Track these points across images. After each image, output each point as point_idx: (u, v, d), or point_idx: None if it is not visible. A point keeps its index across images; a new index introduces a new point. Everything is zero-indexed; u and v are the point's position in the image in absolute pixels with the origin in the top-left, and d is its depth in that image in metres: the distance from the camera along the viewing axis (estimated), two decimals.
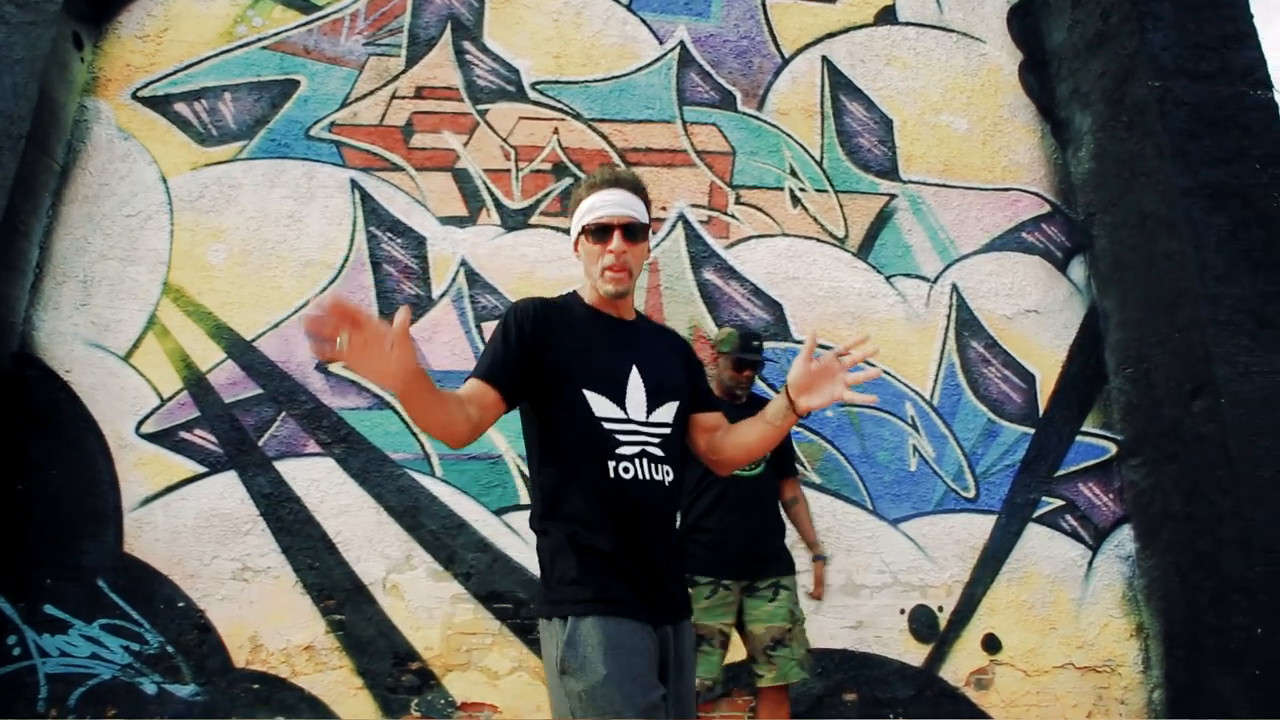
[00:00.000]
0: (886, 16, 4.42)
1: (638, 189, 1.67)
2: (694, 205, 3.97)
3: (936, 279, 3.99)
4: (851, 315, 3.88)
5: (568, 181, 3.96)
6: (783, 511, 3.17)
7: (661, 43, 4.22)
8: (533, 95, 4.08)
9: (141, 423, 3.48)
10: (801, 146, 4.12)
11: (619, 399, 1.58)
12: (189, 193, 3.77)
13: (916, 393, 3.82)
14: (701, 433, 1.78)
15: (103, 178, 3.74)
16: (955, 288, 3.99)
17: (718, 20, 4.30)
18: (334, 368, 3.63)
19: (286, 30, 4.04)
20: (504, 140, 3.99)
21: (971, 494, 3.76)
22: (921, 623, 3.58)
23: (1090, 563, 3.76)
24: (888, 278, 3.96)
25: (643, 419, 1.59)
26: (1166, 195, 3.66)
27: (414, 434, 3.61)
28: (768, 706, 2.90)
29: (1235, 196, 3.62)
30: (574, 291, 1.75)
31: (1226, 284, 3.51)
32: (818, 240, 3.97)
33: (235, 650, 3.31)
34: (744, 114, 4.14)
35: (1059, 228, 4.18)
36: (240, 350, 3.62)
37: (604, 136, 4.03)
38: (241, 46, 4.00)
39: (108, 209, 3.70)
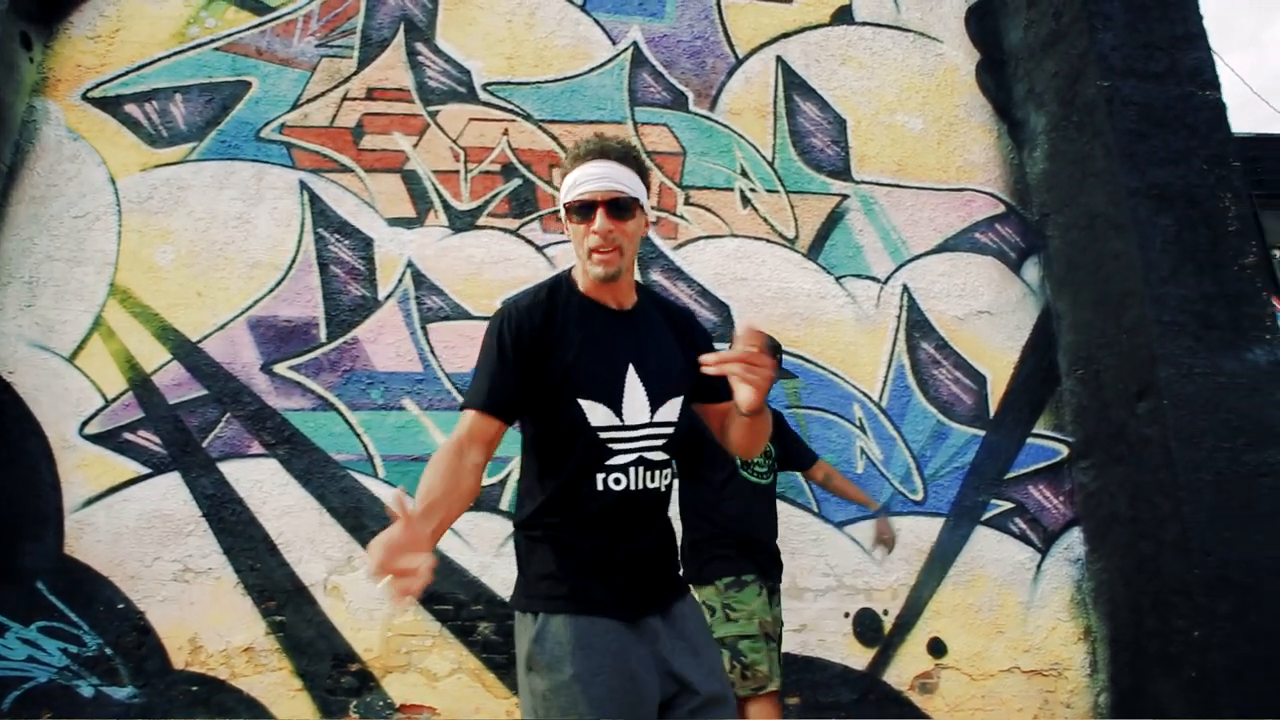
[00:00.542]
0: (843, 16, 4.41)
1: (627, 158, 1.53)
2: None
3: (887, 280, 3.98)
4: (800, 316, 3.86)
5: (516, 183, 3.96)
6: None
7: (615, 43, 4.22)
8: (484, 96, 4.08)
9: (85, 424, 3.49)
10: (753, 147, 4.11)
11: (615, 406, 1.51)
12: (138, 194, 3.78)
13: (865, 394, 3.81)
14: (715, 417, 1.71)
15: (51, 179, 3.75)
16: (906, 288, 3.97)
17: (672, 21, 4.29)
18: (278, 368, 3.64)
19: (239, 31, 4.05)
20: (454, 141, 3.99)
21: (919, 496, 3.75)
22: (866, 626, 3.57)
23: (1039, 566, 3.73)
24: (838, 278, 3.95)
25: (645, 420, 1.52)
26: (1114, 195, 3.64)
27: (357, 435, 3.62)
28: (768, 708, 2.81)
29: (1182, 197, 3.60)
30: (568, 273, 1.63)
31: (1172, 285, 3.48)
32: (767, 241, 3.96)
33: (174, 652, 3.31)
34: (696, 114, 4.13)
35: (1013, 228, 4.16)
36: (186, 351, 3.62)
37: (554, 138, 4.03)
38: (194, 48, 4.00)
39: (55, 210, 3.71)
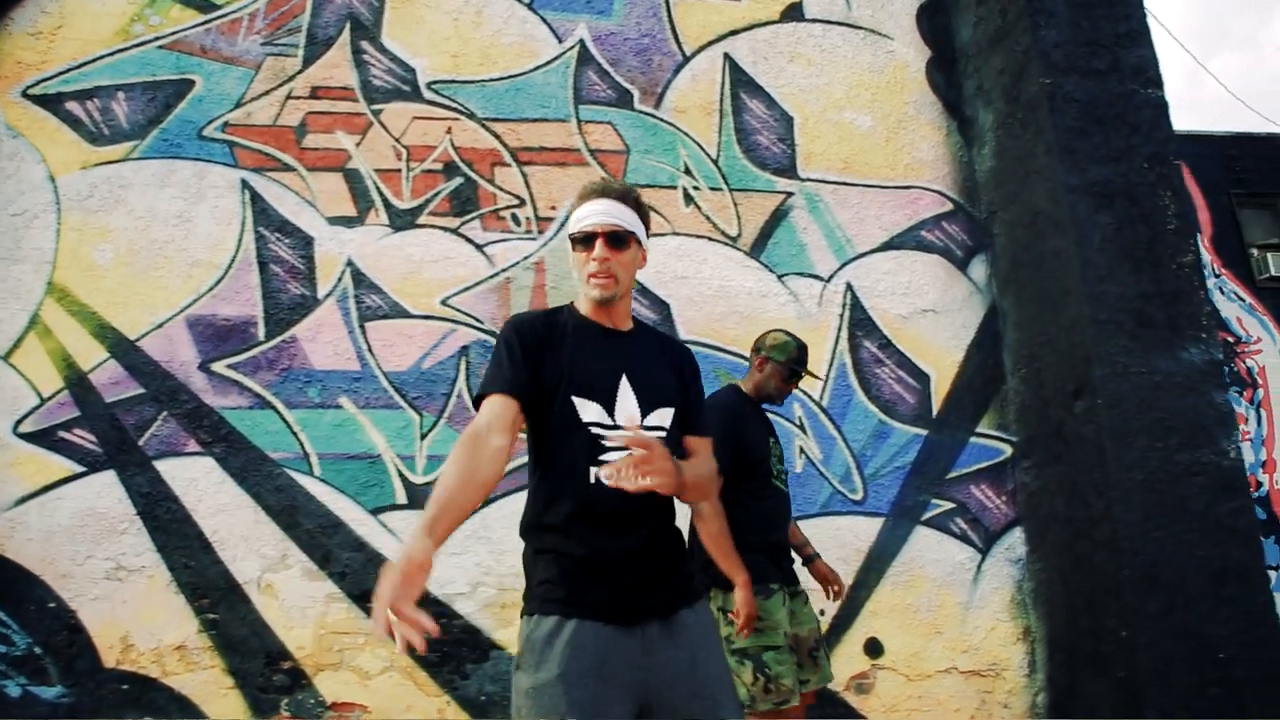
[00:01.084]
0: (793, 13, 4.39)
1: (627, 198, 1.71)
2: None
3: (831, 278, 3.96)
4: (740, 315, 3.85)
5: (458, 181, 3.95)
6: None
7: (561, 41, 4.20)
8: (428, 95, 4.07)
9: (19, 422, 3.49)
10: (698, 144, 4.09)
11: (608, 406, 1.61)
12: (77, 192, 3.78)
13: (805, 393, 3.79)
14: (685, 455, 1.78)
15: None
16: (850, 286, 3.96)
17: (619, 18, 4.27)
18: (216, 367, 3.64)
19: (184, 30, 4.05)
20: (396, 140, 3.99)
21: (859, 496, 3.73)
22: None
23: (979, 566, 3.72)
24: (780, 277, 3.94)
25: (638, 424, 1.62)
26: (1054, 193, 3.62)
27: (294, 433, 3.62)
28: (801, 710, 2.71)
29: (1121, 195, 3.58)
30: (570, 304, 1.79)
31: (1109, 283, 3.46)
32: (709, 239, 3.95)
33: (105, 651, 3.32)
34: (640, 112, 4.11)
35: (961, 226, 4.14)
36: (123, 350, 3.62)
37: (497, 136, 4.02)
38: (137, 45, 4.00)
39: None
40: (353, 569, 3.49)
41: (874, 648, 3.57)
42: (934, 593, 3.66)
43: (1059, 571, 3.50)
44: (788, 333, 3.03)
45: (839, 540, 3.65)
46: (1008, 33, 3.96)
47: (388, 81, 4.08)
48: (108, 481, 3.49)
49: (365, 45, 4.13)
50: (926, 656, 3.58)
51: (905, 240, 4.07)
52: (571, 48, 4.19)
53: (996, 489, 3.82)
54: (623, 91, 4.14)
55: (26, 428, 3.49)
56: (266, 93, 4.01)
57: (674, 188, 4.01)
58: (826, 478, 3.72)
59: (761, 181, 4.07)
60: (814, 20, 4.39)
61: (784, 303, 3.88)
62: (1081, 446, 3.40)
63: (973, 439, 3.87)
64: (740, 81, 4.23)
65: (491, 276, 3.84)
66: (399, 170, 3.95)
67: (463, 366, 3.74)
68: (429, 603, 3.48)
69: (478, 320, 3.79)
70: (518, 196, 3.95)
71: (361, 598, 3.47)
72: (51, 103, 3.87)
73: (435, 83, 4.09)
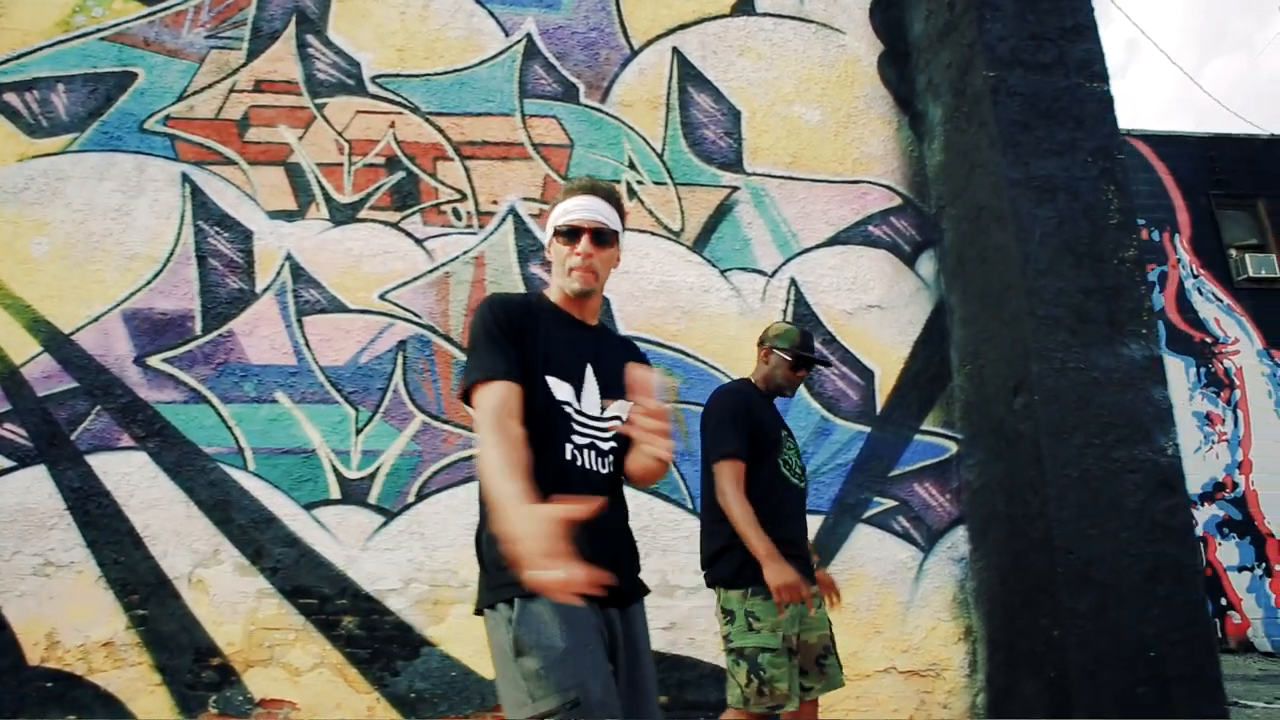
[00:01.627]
0: (744, 7, 4.35)
1: (612, 199, 1.74)
2: (526, 199, 3.92)
3: (775, 273, 3.93)
4: (681, 310, 3.82)
5: (400, 175, 3.92)
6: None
7: (508, 35, 4.18)
8: (372, 89, 4.04)
9: None
10: (643, 138, 4.06)
11: (576, 391, 1.64)
12: (14, 184, 3.75)
13: None
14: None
15: None
16: (794, 282, 3.92)
17: (568, 12, 4.25)
18: (152, 361, 3.61)
19: (127, 21, 4.02)
20: (339, 134, 3.96)
21: None
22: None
23: (921, 565, 3.68)
24: (723, 271, 3.90)
25: (597, 414, 1.64)
26: (996, 187, 3.58)
27: (229, 428, 3.58)
28: (805, 716, 2.57)
29: (1064, 189, 3.54)
30: (541, 292, 1.81)
31: (1049, 278, 3.42)
32: (651, 234, 3.91)
33: (30, 648, 3.29)
34: (586, 106, 4.08)
35: (909, 221, 4.11)
36: (57, 344, 3.59)
37: (440, 130, 3.99)
38: (79, 37, 3.98)
39: None
40: (285, 564, 3.46)
41: None
42: (874, 592, 3.62)
43: (998, 570, 3.45)
44: (790, 321, 2.92)
45: None
46: (955, 26, 3.92)
47: (332, 75, 4.06)
48: (38, 476, 3.46)
49: (311, 39, 4.10)
50: (865, 656, 3.53)
51: (852, 235, 4.03)
52: (518, 41, 4.16)
53: (940, 487, 3.78)
54: (569, 85, 4.11)
55: None
56: (209, 86, 3.99)
57: (617, 182, 3.98)
58: None
59: (706, 176, 4.03)
60: (765, 14, 4.36)
61: (726, 298, 3.85)
62: (1020, 443, 3.36)
63: (917, 436, 3.83)
64: (688, 75, 4.20)
65: (430, 271, 3.81)
66: (341, 164, 3.93)
67: (399, 361, 3.71)
68: (360, 598, 3.46)
69: (415, 315, 3.76)
70: (459, 191, 3.92)
71: (293, 593, 3.44)
72: None
73: (380, 76, 4.06)
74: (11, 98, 3.85)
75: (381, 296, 3.77)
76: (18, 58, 3.91)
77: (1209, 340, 8.44)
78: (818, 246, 3.99)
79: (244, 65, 4.03)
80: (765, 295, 3.89)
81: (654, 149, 4.05)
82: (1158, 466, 3.22)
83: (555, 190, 3.87)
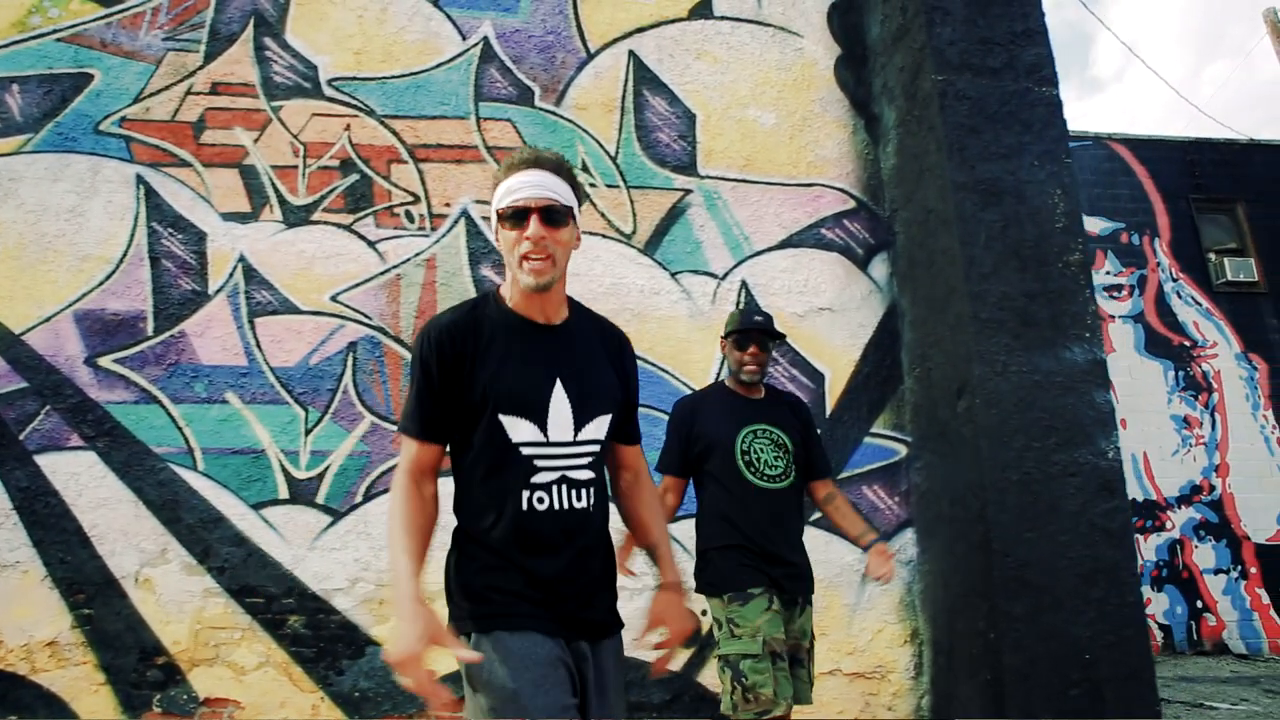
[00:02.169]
0: (702, 10, 4.37)
1: (560, 169, 1.53)
2: (479, 201, 3.94)
3: (725, 275, 3.94)
4: (631, 312, 3.83)
5: (354, 178, 3.94)
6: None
7: (465, 39, 4.20)
8: (329, 92, 4.06)
9: None
10: (596, 141, 4.08)
11: (540, 421, 1.49)
12: None
13: (691, 389, 3.76)
14: (618, 469, 1.75)
15: None
16: (745, 284, 3.94)
17: (525, 16, 4.27)
18: (103, 361, 3.63)
19: (84, 23, 4.05)
20: (294, 137, 3.98)
21: None
22: None
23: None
24: (674, 274, 3.91)
25: (569, 439, 1.50)
26: (943, 190, 3.60)
27: (179, 428, 3.60)
28: None
29: (1010, 193, 3.55)
30: (495, 290, 1.61)
31: (993, 281, 3.43)
32: (603, 236, 3.93)
33: None
34: (540, 109, 4.10)
35: (863, 224, 4.12)
36: (7, 344, 3.61)
37: (395, 133, 4.01)
38: (35, 37, 4.00)
39: None
40: (232, 564, 3.48)
41: None
42: (821, 594, 3.59)
43: (941, 574, 3.46)
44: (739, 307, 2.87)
45: None
46: (907, 30, 3.94)
47: (289, 78, 4.08)
48: None
49: (268, 42, 4.12)
50: None
51: (804, 238, 4.04)
52: (475, 45, 4.18)
53: (889, 490, 3.79)
54: (524, 89, 4.13)
55: None
56: (166, 88, 4.01)
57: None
58: None
59: (659, 179, 4.05)
60: (723, 18, 4.37)
61: (676, 300, 3.86)
62: (963, 446, 3.37)
63: (867, 439, 3.84)
64: (644, 79, 4.21)
65: (382, 273, 3.83)
66: (296, 167, 3.95)
67: (350, 362, 3.72)
68: (307, 597, 3.47)
69: (366, 316, 3.78)
70: (412, 193, 3.94)
71: (240, 592, 3.46)
72: None
73: (336, 80, 4.09)
74: None
75: (333, 298, 3.79)
76: None
77: (1188, 344, 8.44)
78: (770, 249, 4.01)
79: (201, 68, 4.05)
80: (716, 298, 3.90)
81: (607, 152, 4.07)
82: (1098, 470, 3.23)
83: None
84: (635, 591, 3.51)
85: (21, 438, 3.52)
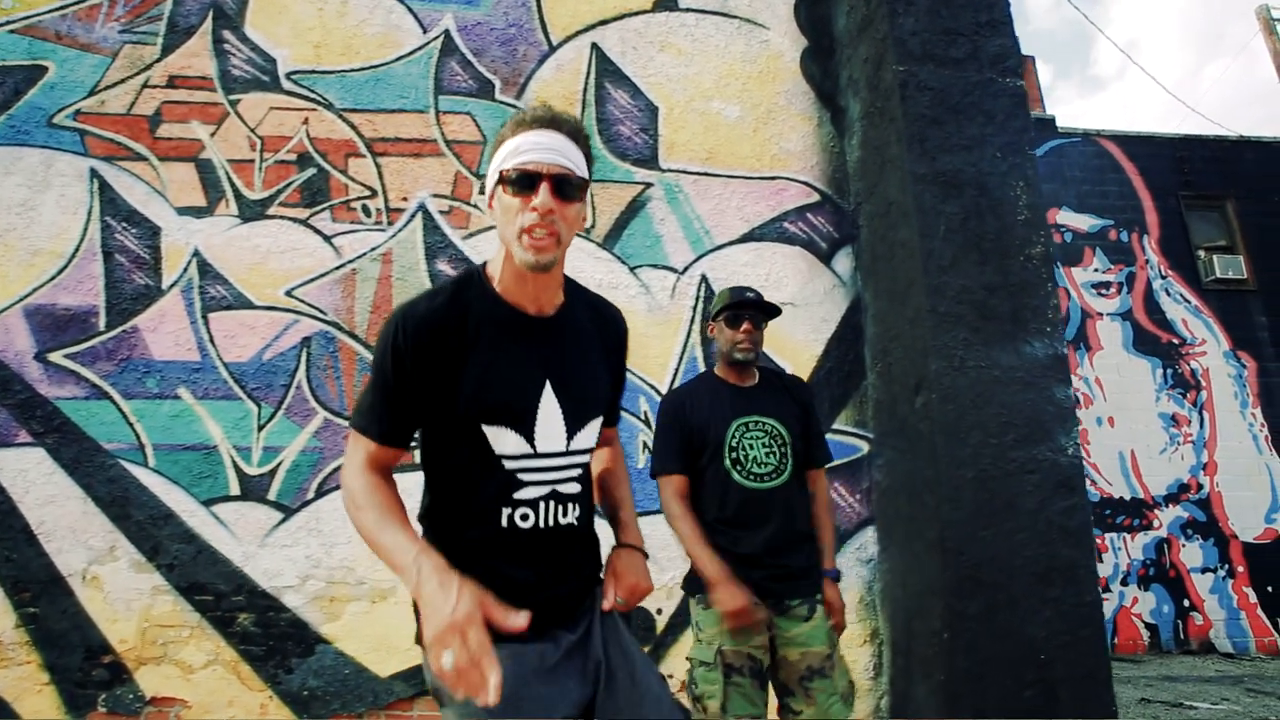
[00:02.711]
0: (666, 3, 4.32)
1: (578, 135, 1.32)
2: (437, 195, 3.89)
3: (685, 270, 3.89)
4: None
5: (310, 172, 3.90)
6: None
7: (426, 31, 4.15)
8: (287, 85, 4.02)
9: None
10: None
11: (527, 432, 1.32)
12: None
13: (653, 386, 3.71)
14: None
15: None
16: (705, 279, 3.88)
17: (487, 8, 4.22)
18: (53, 357, 3.59)
19: (38, 15, 4.01)
20: (252, 130, 3.94)
21: None
22: (637, 625, 3.47)
23: None
24: (633, 268, 3.86)
25: (561, 449, 1.35)
26: (903, 182, 3.54)
27: (130, 424, 3.56)
28: None
29: (971, 185, 3.49)
30: (481, 269, 1.39)
31: (952, 274, 3.37)
32: None
33: None
34: (501, 103, 4.05)
35: (827, 218, 4.06)
36: None
37: (353, 127, 3.97)
38: None
39: None
40: (182, 561, 3.43)
41: None
42: None
43: (900, 573, 3.41)
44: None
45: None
46: (871, 20, 3.88)
47: (247, 71, 4.04)
48: None
49: (227, 34, 4.08)
50: None
51: (767, 232, 3.99)
52: (435, 38, 4.13)
53: (851, 487, 3.73)
54: (485, 82, 4.08)
55: None
56: (122, 81, 3.97)
57: None
58: None
59: (620, 172, 4.00)
60: (688, 10, 4.32)
61: (635, 294, 3.81)
62: (920, 443, 3.31)
63: (830, 436, 3.78)
64: (606, 71, 4.16)
65: (338, 268, 3.78)
66: (253, 161, 3.90)
67: (303, 358, 3.68)
68: (257, 594, 3.43)
69: (321, 311, 3.73)
70: (370, 188, 3.90)
71: (189, 590, 3.41)
72: None
73: (295, 73, 4.04)
74: None
75: (288, 293, 3.75)
76: None
77: (1176, 341, 8.36)
78: (731, 243, 3.95)
79: (158, 60, 4.01)
80: (675, 292, 3.85)
81: None
82: (1057, 466, 3.17)
83: (466, 187, 3.86)
84: None
85: None
